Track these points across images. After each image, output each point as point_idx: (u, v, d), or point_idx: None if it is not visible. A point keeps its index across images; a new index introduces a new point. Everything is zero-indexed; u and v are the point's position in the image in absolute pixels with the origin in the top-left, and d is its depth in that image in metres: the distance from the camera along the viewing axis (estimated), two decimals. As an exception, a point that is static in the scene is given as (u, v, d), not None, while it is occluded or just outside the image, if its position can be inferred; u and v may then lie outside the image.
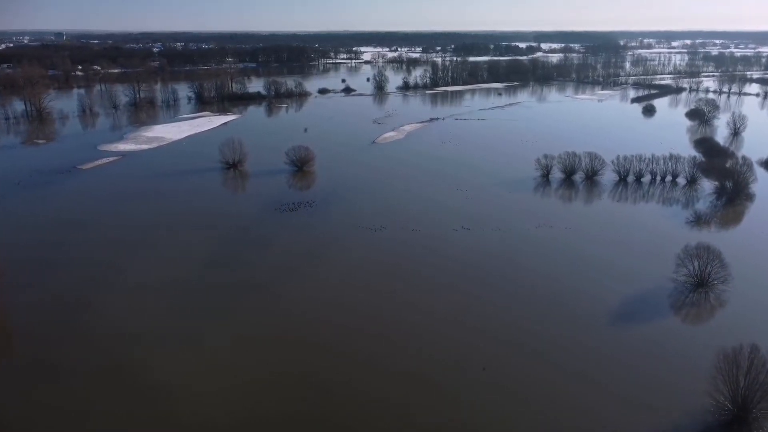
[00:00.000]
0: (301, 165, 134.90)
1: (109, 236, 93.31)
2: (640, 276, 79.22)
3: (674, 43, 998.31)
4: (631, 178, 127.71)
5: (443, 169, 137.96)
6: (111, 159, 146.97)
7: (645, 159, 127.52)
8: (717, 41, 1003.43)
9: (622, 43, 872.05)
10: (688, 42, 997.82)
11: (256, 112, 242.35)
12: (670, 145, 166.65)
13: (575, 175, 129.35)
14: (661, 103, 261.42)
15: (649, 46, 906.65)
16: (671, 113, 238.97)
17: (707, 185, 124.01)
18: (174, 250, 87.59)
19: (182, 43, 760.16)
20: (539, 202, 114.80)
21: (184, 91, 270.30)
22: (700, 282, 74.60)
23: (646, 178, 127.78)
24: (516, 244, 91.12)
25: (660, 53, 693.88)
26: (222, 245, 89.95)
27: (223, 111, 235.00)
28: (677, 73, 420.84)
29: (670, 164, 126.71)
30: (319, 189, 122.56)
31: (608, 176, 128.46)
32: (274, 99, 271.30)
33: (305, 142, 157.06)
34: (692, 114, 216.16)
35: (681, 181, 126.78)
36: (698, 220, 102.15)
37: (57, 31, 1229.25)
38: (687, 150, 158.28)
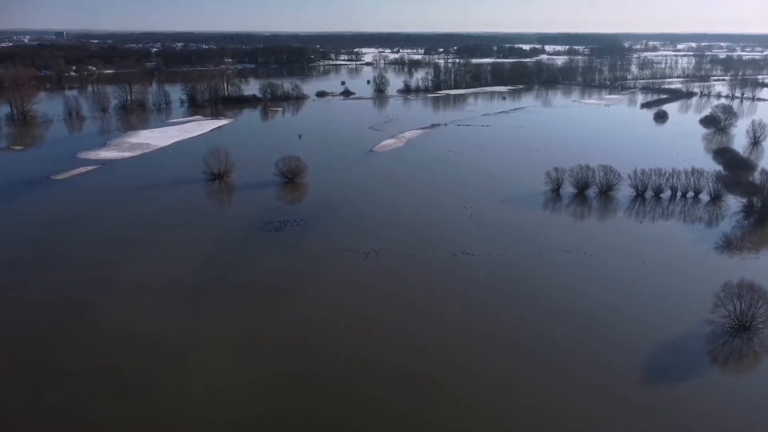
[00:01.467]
0: (291, 177, 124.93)
1: (61, 267, 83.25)
2: (669, 315, 68.98)
3: (679, 46, 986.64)
4: (649, 194, 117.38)
5: (445, 182, 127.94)
6: (89, 168, 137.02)
7: (665, 173, 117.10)
8: (722, 44, 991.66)
9: (626, 45, 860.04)
10: (694, 44, 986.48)
11: (250, 116, 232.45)
12: (687, 155, 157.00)
13: (588, 190, 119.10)
14: (672, 109, 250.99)
15: (654, 49, 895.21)
16: (684, 120, 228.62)
17: (733, 202, 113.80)
18: (130, 284, 77.48)
19: (182, 44, 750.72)
20: (550, 221, 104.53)
21: (178, 93, 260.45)
22: (743, 325, 64.35)
23: (666, 194, 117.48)
24: (525, 274, 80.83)
25: (666, 56, 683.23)
26: (194, 274, 79.75)
27: (216, 115, 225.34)
28: (686, 77, 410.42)
29: (692, 179, 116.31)
30: (309, 204, 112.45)
31: (624, 191, 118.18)
32: (269, 102, 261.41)
33: (299, 149, 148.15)
34: (707, 121, 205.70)
35: (704, 197, 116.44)
36: (728, 245, 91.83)
37: (58, 31, 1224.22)
38: (705, 160, 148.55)
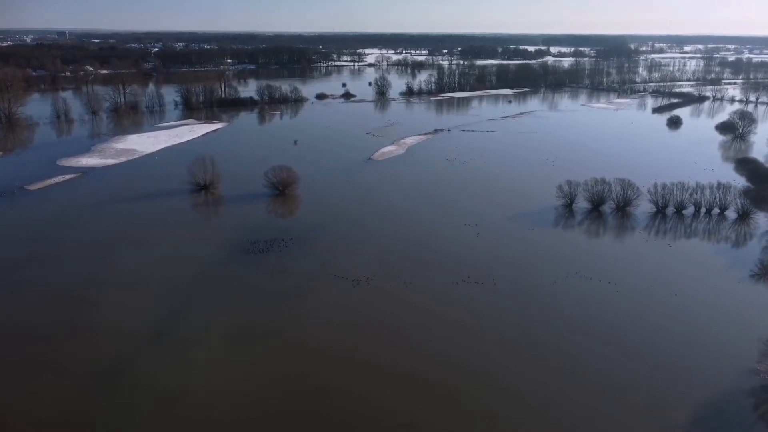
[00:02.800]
0: (282, 188, 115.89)
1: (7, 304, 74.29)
2: (707, 361, 59.55)
3: (686, 48, 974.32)
4: (670, 210, 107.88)
5: (448, 196, 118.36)
6: (67, 177, 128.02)
7: (688, 188, 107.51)
8: (730, 46, 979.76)
9: (632, 47, 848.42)
10: (701, 46, 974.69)
11: (246, 119, 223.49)
12: (705, 164, 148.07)
13: (604, 206, 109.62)
14: (684, 114, 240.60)
15: (661, 51, 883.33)
16: (699, 125, 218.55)
17: (762, 220, 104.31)
18: (87, 314, 68.45)
19: (183, 44, 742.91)
20: (564, 242, 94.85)
21: (174, 95, 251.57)
22: (797, 379, 54.86)
23: (689, 210, 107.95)
24: (537, 306, 71.36)
25: (673, 58, 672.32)
26: (158, 308, 70.63)
27: (210, 118, 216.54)
28: (696, 80, 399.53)
29: (717, 194, 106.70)
30: (299, 220, 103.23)
31: (643, 206, 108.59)
32: (267, 105, 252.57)
33: (293, 155, 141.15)
34: (724, 127, 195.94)
35: (730, 214, 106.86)
36: (766, 273, 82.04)
37: (60, 30, 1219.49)
38: (725, 171, 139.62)
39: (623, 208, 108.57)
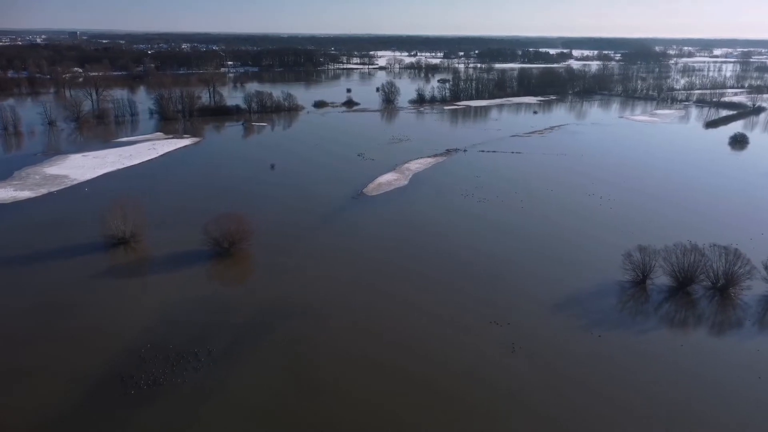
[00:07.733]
0: (228, 245, 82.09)
1: None
2: None
3: (716, 51, 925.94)
4: (796, 293, 72.04)
5: (462, 267, 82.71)
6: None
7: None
8: (762, 50, 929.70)
9: (658, 50, 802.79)
10: (731, 50, 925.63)
11: (225, 133, 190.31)
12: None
13: (695, 284, 74.01)
14: (742, 128, 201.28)
15: (690, 55, 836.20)
16: (766, 145, 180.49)
17: None
18: None
19: (190, 45, 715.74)
20: (649, 358, 59.09)
21: (151, 102, 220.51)
22: None
23: (824, 294, 72.00)
24: None
25: (706, 63, 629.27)
26: None
27: (185, 131, 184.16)
28: (741, 88, 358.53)
29: None
30: (234, 308, 67.93)
31: (757, 287, 72.78)
32: (255, 115, 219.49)
33: (262, 188, 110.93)
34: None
35: None
36: None
37: (71, 30, 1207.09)
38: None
39: (724, 288, 72.82)
